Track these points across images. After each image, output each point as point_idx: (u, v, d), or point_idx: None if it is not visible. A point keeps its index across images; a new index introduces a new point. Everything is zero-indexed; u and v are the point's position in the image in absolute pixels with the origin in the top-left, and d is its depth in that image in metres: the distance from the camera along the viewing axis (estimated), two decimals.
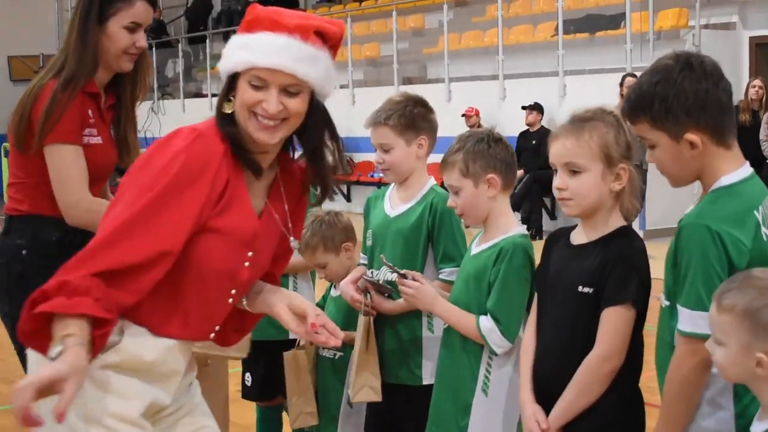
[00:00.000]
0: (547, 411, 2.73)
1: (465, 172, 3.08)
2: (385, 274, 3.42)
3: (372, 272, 3.48)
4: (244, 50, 2.32)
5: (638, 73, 10.56)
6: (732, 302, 2.17)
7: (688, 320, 2.34)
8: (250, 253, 2.39)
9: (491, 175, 3.07)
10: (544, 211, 13.19)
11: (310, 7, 23.56)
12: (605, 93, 11.66)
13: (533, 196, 12.79)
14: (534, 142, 12.90)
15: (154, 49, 20.03)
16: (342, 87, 17.85)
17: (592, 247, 2.71)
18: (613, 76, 12.62)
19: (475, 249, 3.14)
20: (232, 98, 2.36)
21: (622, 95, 11.25)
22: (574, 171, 2.68)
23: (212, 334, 2.47)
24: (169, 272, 2.25)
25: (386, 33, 18.01)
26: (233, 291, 2.42)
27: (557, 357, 2.74)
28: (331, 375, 3.72)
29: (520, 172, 12.23)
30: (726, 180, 2.42)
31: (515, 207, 12.15)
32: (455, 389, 3.09)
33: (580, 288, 2.67)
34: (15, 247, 3.36)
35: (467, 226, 3.36)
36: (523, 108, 13.14)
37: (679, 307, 2.38)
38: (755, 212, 2.39)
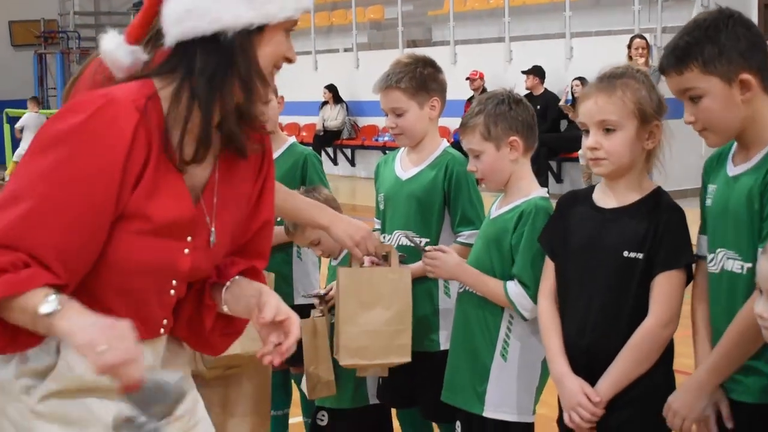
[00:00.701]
0: (591, 382, 2.64)
1: (486, 136, 2.99)
2: (399, 239, 3.36)
3: (384, 236, 3.42)
4: None
5: (647, 35, 10.51)
6: None
7: None
8: (189, 238, 2.03)
9: (513, 137, 2.99)
10: (550, 175, 13.10)
11: None
12: (613, 55, 11.51)
13: (540, 160, 12.68)
14: (539, 106, 12.80)
15: None
16: (346, 50, 17.75)
17: (635, 210, 2.64)
18: (620, 38, 12.47)
19: (494, 212, 3.06)
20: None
21: (630, 57, 11.12)
22: (608, 129, 2.62)
23: (162, 330, 2.13)
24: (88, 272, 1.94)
25: None
26: (174, 282, 2.08)
27: (602, 327, 2.64)
28: None
29: None
30: None
31: None
32: (473, 355, 3.03)
33: (625, 253, 2.60)
34: None
35: (486, 191, 3.28)
36: (523, 72, 13.01)
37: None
38: None
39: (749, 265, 2.38)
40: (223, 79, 1.94)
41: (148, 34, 2.03)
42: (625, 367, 2.60)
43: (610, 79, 2.64)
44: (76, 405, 2.01)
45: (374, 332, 3.13)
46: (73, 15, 24.73)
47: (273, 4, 1.93)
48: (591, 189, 2.77)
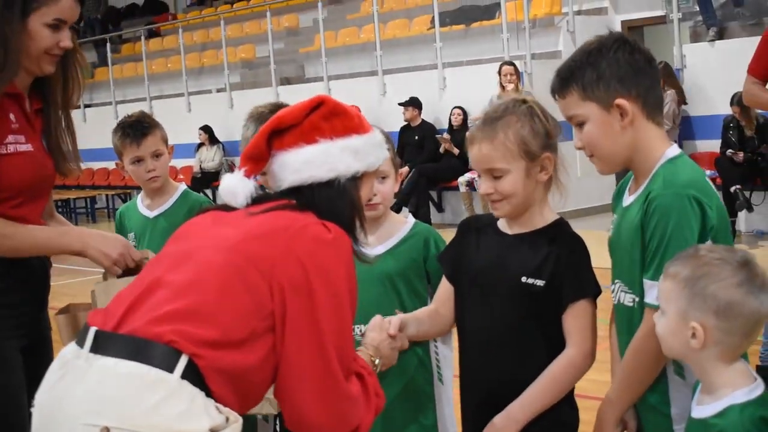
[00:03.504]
0: (492, 408, 2.59)
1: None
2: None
3: None
4: (381, 148, 2.44)
5: (517, 62, 10.70)
6: (676, 270, 2.16)
7: None
8: None
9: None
10: (431, 204, 13.16)
11: (181, 11, 23.19)
12: (485, 83, 11.71)
13: (420, 191, 12.74)
14: (416, 137, 12.90)
15: None
16: (219, 91, 17.60)
17: (536, 237, 2.61)
18: (491, 66, 12.65)
19: None
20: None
21: (501, 84, 11.28)
22: (496, 176, 2.58)
23: None
24: None
25: (261, 34, 17.85)
26: None
27: (498, 351, 2.60)
28: None
29: (405, 169, 12.18)
30: (670, 153, 2.41)
31: (403, 203, 12.10)
32: (411, 392, 2.97)
33: (524, 279, 2.56)
34: None
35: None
36: (399, 104, 13.09)
37: (649, 281, 2.33)
38: (707, 180, 2.41)
39: (638, 298, 2.39)
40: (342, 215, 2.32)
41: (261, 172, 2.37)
42: (539, 394, 2.54)
43: (492, 123, 2.58)
44: None
45: None
46: None
47: (371, 156, 2.37)
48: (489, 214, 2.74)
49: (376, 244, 3.03)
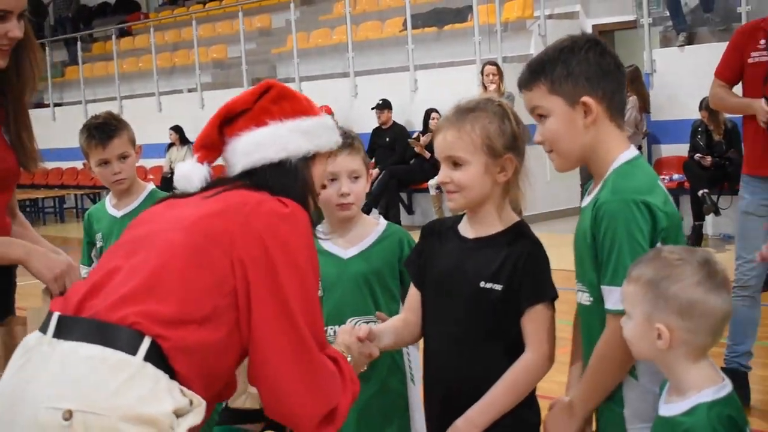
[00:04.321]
0: (455, 410, 2.59)
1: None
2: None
3: None
4: (332, 130, 2.47)
5: (490, 66, 10.63)
6: (639, 273, 2.18)
7: (620, 298, 2.29)
8: None
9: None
10: (401, 206, 13.18)
11: (153, 11, 23.10)
12: (456, 85, 11.72)
13: (390, 193, 12.76)
14: (387, 139, 12.90)
15: None
16: (190, 91, 17.55)
17: (493, 241, 2.62)
18: (463, 68, 12.71)
19: None
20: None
21: (484, 84, 11.26)
22: (456, 163, 2.60)
23: None
24: None
25: (233, 34, 17.80)
26: None
27: (456, 356, 2.62)
28: None
29: (375, 171, 12.19)
30: (625, 156, 2.42)
31: (373, 204, 12.10)
32: (388, 395, 3.00)
33: (482, 284, 2.57)
34: None
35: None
36: (372, 109, 13.10)
37: (606, 288, 2.34)
38: (659, 182, 2.43)
39: (590, 297, 2.41)
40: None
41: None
42: (498, 398, 2.56)
43: (462, 113, 2.60)
44: None
45: None
46: None
47: (322, 137, 2.40)
48: (459, 218, 2.74)
49: (348, 247, 3.04)
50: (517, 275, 2.55)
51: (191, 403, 2.05)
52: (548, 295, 2.57)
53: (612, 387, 2.39)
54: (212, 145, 2.41)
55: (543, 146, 2.48)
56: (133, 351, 2.01)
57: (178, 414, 2.03)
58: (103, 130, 3.86)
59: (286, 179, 2.34)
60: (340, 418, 2.23)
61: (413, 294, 2.78)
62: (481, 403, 2.56)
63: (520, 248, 2.57)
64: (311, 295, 2.23)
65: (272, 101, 2.38)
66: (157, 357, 2.03)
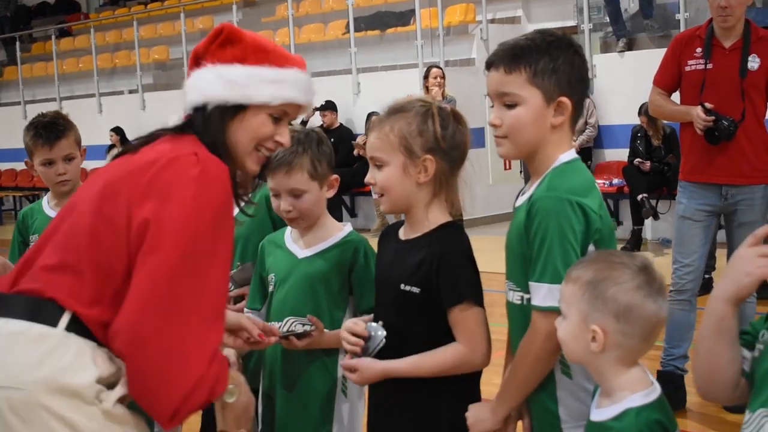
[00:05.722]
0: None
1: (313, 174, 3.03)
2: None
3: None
4: (279, 85, 2.34)
5: (436, 69, 10.58)
6: (578, 274, 2.19)
7: (547, 294, 2.30)
8: None
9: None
10: (344, 209, 13.17)
11: (93, 11, 22.85)
12: (399, 89, 11.68)
13: (333, 195, 12.69)
14: (332, 139, 12.87)
15: None
16: (131, 92, 17.38)
17: (415, 243, 2.63)
18: (405, 72, 12.73)
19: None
20: None
21: (426, 87, 11.25)
22: (378, 165, 2.61)
23: None
24: None
25: (175, 35, 17.67)
26: None
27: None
28: None
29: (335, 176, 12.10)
30: (565, 157, 2.43)
31: None
32: (311, 400, 2.97)
33: (402, 286, 2.58)
34: None
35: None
36: (316, 110, 13.05)
37: (534, 284, 2.34)
38: (596, 186, 2.45)
39: (527, 295, 2.40)
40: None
41: None
42: (417, 358, 2.56)
43: (388, 115, 2.63)
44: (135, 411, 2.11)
45: None
46: None
47: (250, 89, 2.30)
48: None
49: (305, 247, 3.06)
50: (433, 276, 2.54)
51: (120, 369, 2.04)
52: (467, 294, 2.54)
53: (535, 384, 2.40)
54: None
55: (495, 129, 2.44)
56: (54, 323, 2.01)
57: (108, 383, 2.02)
58: (51, 129, 3.79)
59: (203, 125, 2.30)
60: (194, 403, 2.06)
61: None
62: (403, 360, 2.59)
63: (436, 250, 2.56)
64: (202, 262, 2.07)
65: (219, 45, 2.35)
66: (80, 327, 2.03)
